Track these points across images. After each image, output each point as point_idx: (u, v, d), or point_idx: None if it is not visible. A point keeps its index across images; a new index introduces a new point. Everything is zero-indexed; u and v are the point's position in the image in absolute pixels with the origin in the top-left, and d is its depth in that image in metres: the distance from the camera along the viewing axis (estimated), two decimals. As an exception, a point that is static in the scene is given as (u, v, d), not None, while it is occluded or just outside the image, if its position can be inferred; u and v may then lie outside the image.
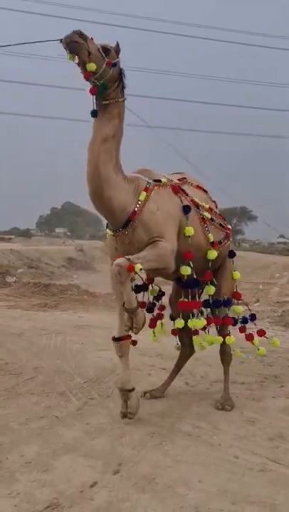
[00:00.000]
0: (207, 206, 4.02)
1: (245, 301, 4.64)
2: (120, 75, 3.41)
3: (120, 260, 3.31)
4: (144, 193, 3.51)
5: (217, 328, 4.21)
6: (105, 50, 3.27)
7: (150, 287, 4.23)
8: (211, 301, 4.10)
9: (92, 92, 3.31)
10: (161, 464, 3.04)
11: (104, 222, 3.75)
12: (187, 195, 3.84)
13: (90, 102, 3.40)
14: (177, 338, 4.41)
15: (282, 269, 25.88)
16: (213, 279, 4.05)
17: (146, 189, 3.54)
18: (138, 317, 3.46)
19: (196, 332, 3.95)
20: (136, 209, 3.45)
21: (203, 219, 3.89)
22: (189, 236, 3.67)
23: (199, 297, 4.25)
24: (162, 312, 4.31)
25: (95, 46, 3.21)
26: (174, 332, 4.25)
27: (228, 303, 4.17)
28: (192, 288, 3.84)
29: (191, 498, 2.65)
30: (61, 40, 3.13)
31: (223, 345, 4.19)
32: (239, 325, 4.29)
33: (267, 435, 3.50)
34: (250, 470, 2.98)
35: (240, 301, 4.45)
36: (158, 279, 4.26)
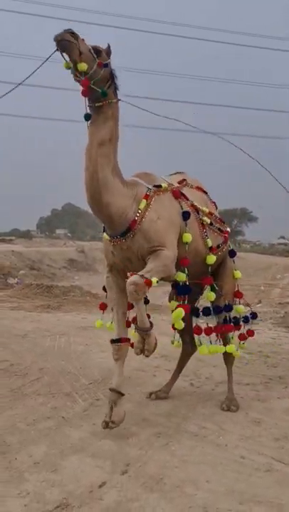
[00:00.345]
0: (207, 210, 4.00)
1: (247, 303, 4.63)
2: (112, 75, 3.36)
3: (135, 278, 3.24)
4: (144, 201, 3.44)
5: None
6: (96, 51, 3.22)
7: None
8: (211, 308, 4.10)
9: (85, 92, 3.24)
10: (168, 464, 3.07)
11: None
12: (187, 199, 3.81)
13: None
14: (176, 334, 4.43)
15: (283, 270, 25.94)
16: (214, 285, 4.03)
17: (146, 196, 3.48)
18: (150, 339, 3.40)
19: (198, 331, 3.97)
20: (136, 218, 3.39)
21: (202, 224, 3.88)
22: (187, 243, 3.64)
23: (198, 301, 4.31)
24: None
25: (86, 46, 3.17)
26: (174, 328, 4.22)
27: (228, 308, 4.13)
28: (184, 294, 3.79)
29: (200, 498, 2.67)
30: (57, 47, 3.07)
31: (226, 331, 4.15)
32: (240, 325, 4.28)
33: (272, 436, 3.53)
34: (256, 470, 3.01)
35: (241, 301, 4.42)
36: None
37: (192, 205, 3.82)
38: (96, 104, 3.28)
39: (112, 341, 3.64)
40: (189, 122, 4.32)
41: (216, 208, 4.37)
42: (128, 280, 3.29)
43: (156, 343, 3.44)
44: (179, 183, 3.94)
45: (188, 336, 4.39)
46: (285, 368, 5.43)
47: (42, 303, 10.39)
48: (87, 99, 3.30)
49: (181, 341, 4.49)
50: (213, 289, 4.04)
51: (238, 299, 4.30)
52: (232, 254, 4.30)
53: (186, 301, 3.69)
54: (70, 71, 3.19)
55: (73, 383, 4.70)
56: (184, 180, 4.02)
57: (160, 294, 8.81)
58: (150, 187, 3.55)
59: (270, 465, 3.07)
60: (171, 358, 5.34)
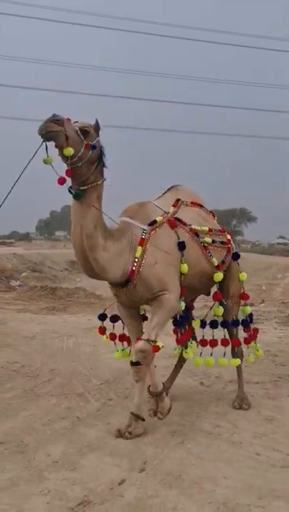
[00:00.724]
0: (207, 229, 3.96)
1: (251, 302, 4.70)
2: (100, 154, 3.29)
3: (142, 345, 3.39)
4: (139, 248, 3.41)
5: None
6: (84, 132, 3.15)
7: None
8: (219, 322, 4.15)
9: (68, 174, 3.12)
10: (185, 461, 3.12)
11: None
12: (185, 224, 3.78)
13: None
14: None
15: (283, 269, 25.98)
16: (223, 301, 4.09)
17: (141, 242, 3.44)
18: (164, 402, 3.59)
19: (204, 343, 4.07)
20: (134, 268, 3.38)
21: (204, 246, 3.86)
22: (184, 273, 3.63)
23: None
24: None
25: (73, 128, 3.09)
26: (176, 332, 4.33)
27: (236, 323, 4.18)
28: (180, 327, 4.01)
29: (218, 493, 2.73)
30: (43, 140, 3.01)
31: (234, 346, 4.20)
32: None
33: (286, 432, 3.58)
34: (272, 466, 3.06)
35: (247, 302, 4.43)
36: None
37: (191, 230, 3.80)
38: (81, 188, 3.21)
39: (132, 364, 3.63)
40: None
41: (214, 217, 4.35)
42: (135, 347, 3.45)
43: (170, 408, 3.63)
44: (174, 205, 3.90)
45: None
46: (293, 367, 5.48)
47: (47, 305, 10.44)
48: (71, 179, 3.19)
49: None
50: (221, 304, 4.11)
51: (244, 301, 4.31)
52: (235, 257, 4.27)
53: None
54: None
55: (85, 384, 4.75)
56: (178, 200, 3.98)
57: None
58: (145, 228, 3.52)
59: (286, 461, 3.13)
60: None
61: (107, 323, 4.03)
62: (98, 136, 3.28)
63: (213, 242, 3.96)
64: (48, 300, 11.14)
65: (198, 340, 4.20)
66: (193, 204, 4.12)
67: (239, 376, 4.30)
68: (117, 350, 4.08)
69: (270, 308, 10.37)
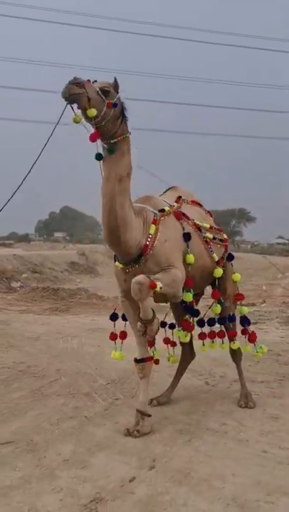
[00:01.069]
0: (208, 226, 4.13)
1: (252, 303, 4.77)
2: (122, 111, 3.39)
3: (141, 278, 3.35)
4: (153, 226, 3.55)
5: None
6: (104, 91, 3.25)
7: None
8: (216, 319, 4.27)
9: (93, 138, 3.26)
10: (193, 459, 3.17)
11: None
12: (189, 218, 3.92)
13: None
14: (169, 348, 4.52)
15: (283, 269, 26.05)
16: (221, 299, 4.19)
17: (154, 221, 3.58)
18: (153, 326, 3.53)
19: (203, 336, 4.19)
20: (147, 243, 3.49)
21: (206, 241, 4.00)
22: (190, 264, 3.73)
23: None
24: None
25: (94, 89, 3.19)
26: (166, 340, 4.45)
27: (232, 319, 4.30)
28: (193, 315, 3.98)
29: (227, 490, 2.78)
30: (66, 102, 3.12)
31: (231, 336, 4.30)
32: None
33: (291, 430, 3.63)
34: (279, 463, 3.11)
35: (244, 301, 4.53)
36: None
37: (194, 225, 3.93)
38: (112, 141, 3.34)
39: (136, 361, 3.72)
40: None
41: (212, 217, 4.49)
42: (133, 279, 3.38)
43: (158, 329, 3.60)
44: (176, 201, 4.03)
45: (187, 345, 4.47)
46: (297, 366, 5.54)
47: (50, 306, 10.50)
48: (100, 136, 3.31)
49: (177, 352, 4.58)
50: (219, 302, 4.20)
51: (239, 301, 4.40)
52: (230, 258, 4.39)
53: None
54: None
55: (91, 384, 4.80)
56: (180, 197, 4.11)
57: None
58: (156, 212, 3.67)
59: (292, 458, 3.18)
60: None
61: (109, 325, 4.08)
62: (118, 93, 3.39)
63: (214, 238, 4.12)
64: (50, 301, 11.19)
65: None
66: (193, 203, 4.27)
67: (240, 374, 4.37)
68: (115, 350, 4.12)
69: (271, 308, 10.42)
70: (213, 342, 4.36)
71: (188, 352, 4.49)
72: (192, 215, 4.03)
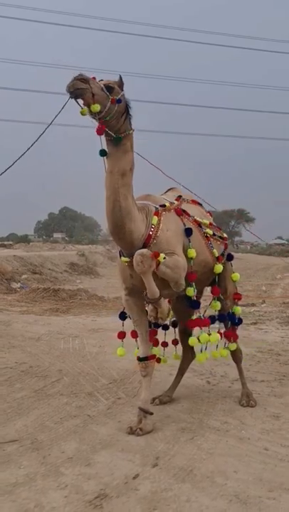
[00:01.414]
0: (208, 222, 4.22)
1: (252, 303, 4.79)
2: (126, 108, 3.47)
3: (143, 250, 3.43)
4: (155, 217, 3.64)
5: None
6: (108, 88, 3.33)
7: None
8: (216, 316, 4.28)
9: (100, 131, 3.34)
10: (196, 456, 3.22)
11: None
12: (189, 215, 4.00)
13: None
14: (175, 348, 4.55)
15: (283, 270, 26.12)
16: (220, 295, 4.24)
17: (156, 213, 3.67)
18: (162, 307, 3.61)
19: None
20: (150, 233, 3.57)
21: (206, 236, 4.09)
22: (192, 258, 3.79)
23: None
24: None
25: (98, 86, 3.27)
26: (174, 342, 4.50)
27: (232, 317, 4.34)
28: (196, 308, 3.98)
29: (230, 486, 2.83)
30: (71, 96, 3.21)
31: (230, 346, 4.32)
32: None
33: (292, 429, 3.68)
34: (281, 461, 3.16)
35: (243, 302, 4.56)
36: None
37: (194, 221, 4.01)
38: (116, 136, 3.41)
39: (139, 359, 3.77)
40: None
41: (211, 217, 4.57)
42: (136, 251, 3.43)
43: (169, 310, 3.67)
44: (176, 200, 4.10)
45: (188, 345, 4.50)
46: (297, 365, 5.58)
47: (50, 306, 10.54)
48: (105, 132, 3.38)
49: (181, 351, 4.61)
50: (219, 299, 4.23)
51: (237, 300, 4.46)
52: (229, 257, 4.47)
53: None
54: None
55: (93, 383, 4.84)
56: (180, 196, 4.19)
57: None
58: (157, 206, 3.76)
59: (293, 456, 3.23)
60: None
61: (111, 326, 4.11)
62: (122, 90, 3.46)
63: (214, 234, 4.19)
64: (50, 302, 11.23)
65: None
66: (194, 202, 4.36)
67: (241, 374, 4.42)
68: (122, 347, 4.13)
69: (271, 308, 10.47)
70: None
71: (189, 352, 4.54)
72: (193, 212, 4.11)
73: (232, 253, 4.57)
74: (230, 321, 4.35)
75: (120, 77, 3.48)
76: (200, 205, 4.46)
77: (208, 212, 4.56)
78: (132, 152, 3.51)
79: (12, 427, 3.73)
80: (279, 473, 2.98)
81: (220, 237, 4.33)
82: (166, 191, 4.39)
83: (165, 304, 3.63)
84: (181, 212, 3.91)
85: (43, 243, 53.11)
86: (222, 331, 4.30)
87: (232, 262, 4.52)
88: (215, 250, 4.12)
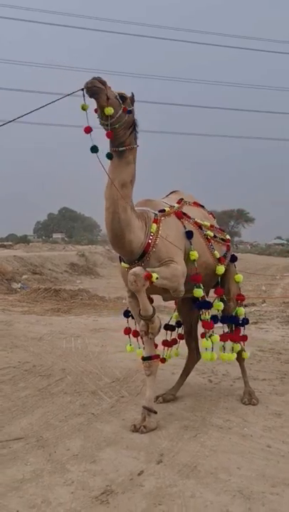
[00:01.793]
0: (209, 224, 4.27)
1: (252, 303, 4.84)
2: (134, 122, 3.58)
3: (136, 269, 3.53)
4: (154, 225, 3.71)
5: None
6: (122, 97, 3.45)
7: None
8: (219, 317, 4.28)
9: (110, 135, 3.43)
10: (199, 453, 3.27)
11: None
12: (190, 217, 4.06)
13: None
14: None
15: (283, 270, 26.18)
16: (224, 296, 4.28)
17: (155, 221, 3.74)
18: (154, 323, 3.71)
19: (203, 335, 4.16)
20: (149, 241, 3.65)
21: (207, 238, 4.14)
22: (194, 260, 3.87)
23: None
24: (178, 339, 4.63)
25: (113, 93, 3.39)
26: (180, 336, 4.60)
27: (235, 320, 4.38)
28: (206, 308, 4.02)
29: (234, 482, 2.88)
30: (83, 89, 3.28)
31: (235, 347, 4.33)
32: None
33: (294, 426, 3.73)
34: (283, 457, 3.21)
35: (243, 302, 4.58)
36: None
37: (195, 223, 4.07)
38: (120, 149, 3.50)
39: (144, 359, 3.83)
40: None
41: (214, 218, 4.62)
42: (130, 271, 3.54)
43: (160, 327, 3.76)
44: (178, 203, 4.17)
45: (194, 344, 4.59)
46: (298, 364, 5.63)
47: (51, 306, 10.58)
48: (110, 142, 3.50)
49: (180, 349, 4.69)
50: (221, 300, 4.28)
51: (240, 302, 4.48)
52: (233, 259, 4.51)
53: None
54: (94, 114, 3.36)
55: (97, 382, 4.89)
56: (182, 199, 4.25)
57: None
58: (156, 212, 3.83)
59: (296, 452, 3.28)
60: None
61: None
62: (133, 106, 3.56)
63: (215, 236, 4.24)
64: (52, 302, 11.27)
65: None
66: (196, 204, 4.42)
67: (243, 372, 4.47)
68: (130, 345, 4.26)
69: (271, 308, 10.52)
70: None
71: (194, 352, 4.59)
72: (194, 214, 4.16)
73: (236, 254, 4.59)
74: (233, 324, 4.37)
75: (132, 94, 3.58)
76: (202, 206, 4.51)
77: (210, 213, 4.62)
78: (134, 165, 3.61)
79: (17, 425, 3.78)
80: (282, 469, 3.03)
81: (222, 239, 4.37)
82: (169, 194, 4.46)
83: (158, 320, 3.71)
84: (181, 215, 3.98)
85: (42, 243, 53.12)
86: (225, 331, 4.35)
87: (235, 263, 4.54)
88: (216, 252, 4.17)
